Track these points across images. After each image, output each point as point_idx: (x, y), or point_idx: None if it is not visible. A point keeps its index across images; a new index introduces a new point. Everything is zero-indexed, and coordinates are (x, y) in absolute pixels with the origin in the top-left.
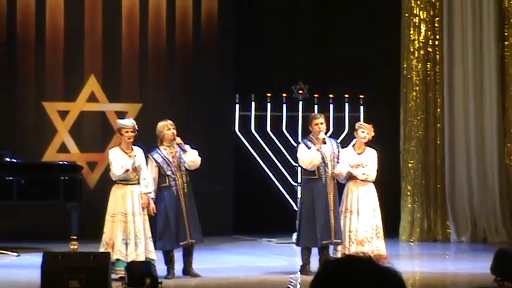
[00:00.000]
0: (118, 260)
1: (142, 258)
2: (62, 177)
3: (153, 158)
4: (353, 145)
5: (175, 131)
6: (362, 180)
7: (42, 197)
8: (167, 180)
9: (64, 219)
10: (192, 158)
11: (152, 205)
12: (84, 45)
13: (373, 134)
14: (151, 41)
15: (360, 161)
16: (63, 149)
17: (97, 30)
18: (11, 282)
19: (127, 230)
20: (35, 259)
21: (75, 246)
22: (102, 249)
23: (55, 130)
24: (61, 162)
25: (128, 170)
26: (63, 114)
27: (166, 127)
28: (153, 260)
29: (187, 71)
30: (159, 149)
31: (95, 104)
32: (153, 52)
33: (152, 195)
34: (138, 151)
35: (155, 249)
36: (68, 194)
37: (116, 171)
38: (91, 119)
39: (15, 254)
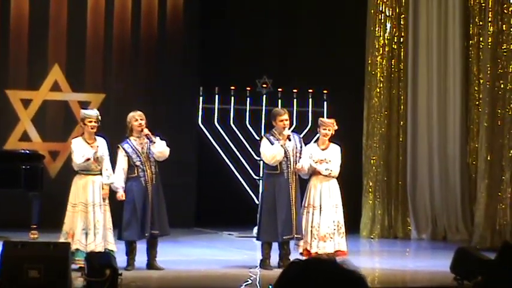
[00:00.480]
0: (78, 250)
1: (100, 249)
2: (24, 166)
3: (123, 148)
4: (316, 141)
5: (143, 122)
6: (325, 175)
7: (3, 186)
8: (136, 171)
9: (24, 208)
10: (160, 148)
11: (121, 192)
12: (48, 33)
13: (336, 128)
14: (116, 32)
15: (324, 156)
16: (25, 137)
17: (62, 19)
18: None
19: (87, 220)
20: None
21: (35, 235)
22: (62, 239)
23: (17, 118)
24: (23, 151)
25: (88, 159)
26: (26, 102)
27: (134, 118)
28: (112, 251)
29: (151, 62)
30: (129, 140)
31: (58, 93)
32: (117, 43)
33: (122, 184)
34: (101, 141)
35: (121, 239)
36: (29, 183)
37: (77, 160)
38: (54, 108)
39: None
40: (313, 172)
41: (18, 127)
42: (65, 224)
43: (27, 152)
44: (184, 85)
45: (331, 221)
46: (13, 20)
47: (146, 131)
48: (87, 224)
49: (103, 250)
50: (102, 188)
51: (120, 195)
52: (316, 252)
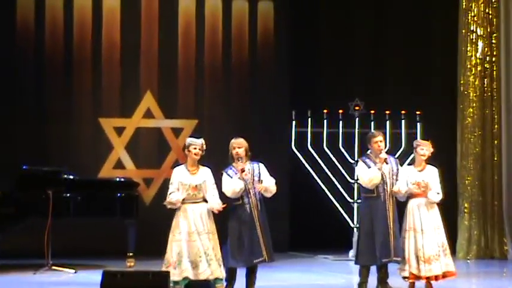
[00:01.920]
0: (185, 278)
1: (213, 277)
2: (119, 194)
3: (228, 174)
4: (411, 163)
5: (240, 151)
6: (433, 202)
7: (99, 214)
8: (240, 198)
9: (120, 236)
10: (270, 194)
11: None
12: (140, 60)
13: (431, 150)
14: (208, 57)
15: (421, 178)
16: (119, 165)
17: (153, 46)
18: None
19: (191, 250)
20: (92, 276)
21: (132, 263)
22: (163, 268)
23: (111, 146)
24: (118, 179)
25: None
26: (119, 130)
27: (232, 146)
28: (219, 279)
29: (243, 87)
30: (233, 166)
31: (151, 120)
32: (209, 68)
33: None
34: (205, 170)
35: (224, 267)
36: (125, 210)
37: (171, 197)
38: (147, 135)
39: (72, 270)
40: (411, 194)
41: (112, 155)
42: (167, 253)
43: (122, 180)
44: (276, 109)
45: (435, 242)
46: (105, 48)
47: (241, 165)
48: (191, 253)
49: (211, 278)
50: (215, 210)
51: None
52: (426, 276)
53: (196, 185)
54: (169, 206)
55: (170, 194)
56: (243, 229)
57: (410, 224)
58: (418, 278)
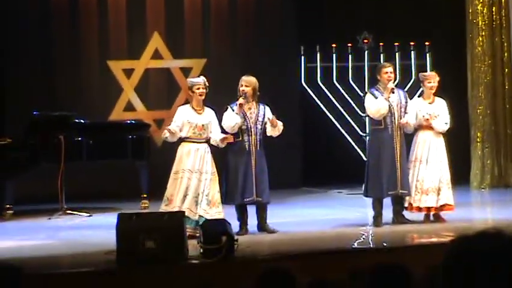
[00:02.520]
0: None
1: (211, 216)
2: (130, 136)
3: (232, 109)
4: (420, 96)
5: (246, 89)
6: (440, 132)
7: (111, 157)
8: (241, 135)
9: (133, 178)
10: (277, 133)
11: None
12: (146, 1)
13: (438, 79)
14: None
15: (432, 110)
16: (129, 107)
17: None
18: (85, 244)
19: (192, 187)
20: (107, 219)
21: (146, 205)
22: (163, 206)
23: (121, 89)
24: (128, 121)
25: (172, 133)
26: (128, 72)
27: (240, 83)
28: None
29: (250, 24)
30: (237, 103)
31: (160, 61)
32: (215, 6)
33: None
34: (209, 111)
35: (224, 203)
36: (137, 152)
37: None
38: (156, 77)
39: (87, 214)
40: (419, 127)
41: (122, 97)
42: (167, 190)
43: (133, 122)
44: (284, 45)
45: (436, 175)
46: None
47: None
48: (192, 191)
49: (214, 217)
50: (222, 141)
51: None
52: (418, 206)
53: (203, 125)
54: (165, 136)
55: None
56: (239, 165)
57: (417, 155)
58: (415, 209)
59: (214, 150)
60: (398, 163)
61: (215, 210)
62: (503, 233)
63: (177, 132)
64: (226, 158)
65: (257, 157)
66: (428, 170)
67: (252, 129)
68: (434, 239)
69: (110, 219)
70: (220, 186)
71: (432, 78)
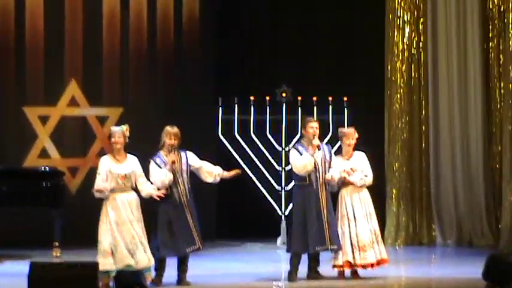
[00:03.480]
0: (127, 265)
1: (146, 265)
2: (45, 183)
3: (156, 163)
4: (338, 153)
5: (175, 143)
6: (359, 186)
7: (25, 203)
8: (169, 188)
9: (46, 225)
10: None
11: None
12: (64, 48)
13: (356, 136)
14: (132, 44)
15: (349, 166)
16: (44, 154)
17: (77, 33)
18: None
19: (126, 238)
20: (18, 267)
21: (58, 253)
22: (101, 258)
23: (36, 135)
24: (43, 168)
25: (102, 192)
26: (44, 119)
27: (168, 135)
28: (149, 268)
29: (168, 74)
30: (161, 154)
31: (76, 109)
32: (134, 55)
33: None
34: (131, 159)
35: (155, 257)
36: (51, 200)
37: (98, 184)
38: (72, 124)
39: None
40: (343, 183)
41: (36, 144)
42: (102, 242)
43: (48, 169)
44: (203, 96)
45: (368, 230)
46: (28, 36)
47: (172, 157)
48: (130, 240)
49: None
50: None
51: (161, 193)
52: (361, 264)
53: (125, 174)
54: (97, 195)
55: (96, 188)
56: (172, 218)
57: (343, 212)
58: (353, 266)
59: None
60: (325, 218)
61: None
62: None
63: (106, 187)
64: (157, 210)
65: (190, 207)
66: (359, 225)
67: (179, 179)
68: None
69: (20, 267)
70: (150, 238)
71: (351, 136)
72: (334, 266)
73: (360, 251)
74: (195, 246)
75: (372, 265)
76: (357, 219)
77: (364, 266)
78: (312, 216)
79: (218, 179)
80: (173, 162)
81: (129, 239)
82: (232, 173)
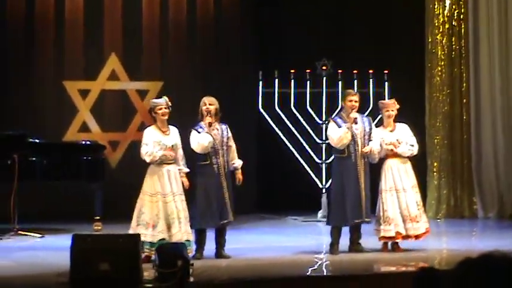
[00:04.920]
0: (161, 239)
1: (184, 238)
2: (85, 158)
3: (196, 130)
4: (378, 123)
5: (210, 107)
6: (407, 156)
7: (65, 178)
8: (208, 158)
9: (87, 199)
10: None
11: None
12: (104, 22)
13: (397, 107)
14: (172, 18)
15: (395, 138)
16: (84, 128)
17: (116, 7)
18: (37, 265)
19: (165, 211)
20: (59, 241)
21: (99, 227)
22: (142, 229)
23: (76, 109)
24: (84, 142)
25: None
26: (84, 93)
27: (203, 102)
28: (189, 240)
29: (209, 48)
30: (201, 124)
31: (116, 83)
32: (173, 29)
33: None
34: (174, 130)
35: (193, 228)
36: (91, 174)
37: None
38: (112, 98)
39: (39, 235)
40: (387, 155)
41: (77, 118)
42: (143, 214)
43: (88, 143)
44: (243, 70)
45: (415, 201)
46: (68, 11)
47: (208, 119)
48: (168, 214)
49: (185, 239)
50: (182, 177)
51: (186, 182)
52: (414, 234)
53: (172, 145)
54: (149, 159)
55: (147, 152)
56: (210, 189)
57: (390, 184)
58: (406, 237)
59: None
60: (362, 191)
61: (188, 229)
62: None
63: (156, 154)
64: (195, 181)
65: (227, 179)
66: (408, 197)
67: (220, 151)
68: (396, 268)
69: (62, 240)
70: (189, 210)
71: (391, 107)
72: (382, 238)
73: (412, 221)
74: (228, 219)
75: (420, 235)
76: (406, 190)
77: (417, 237)
78: (350, 188)
79: (231, 168)
80: (209, 124)
81: (169, 212)
82: (238, 180)
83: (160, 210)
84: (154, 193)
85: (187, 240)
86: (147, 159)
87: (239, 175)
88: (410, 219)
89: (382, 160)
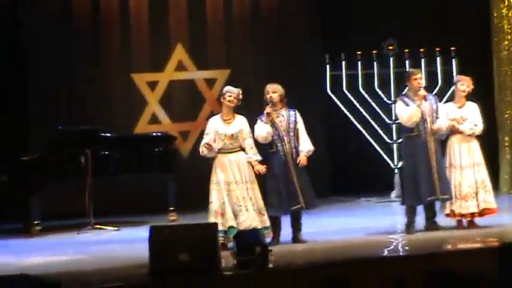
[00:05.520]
0: (231, 227)
1: (254, 225)
2: (157, 149)
3: (261, 120)
4: (448, 101)
5: (273, 95)
6: (468, 135)
7: (139, 170)
8: (274, 146)
9: (160, 191)
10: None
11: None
12: (168, 13)
13: (472, 86)
14: (236, 5)
15: (460, 114)
16: (154, 120)
17: None
18: (115, 258)
19: (230, 199)
20: (135, 233)
21: (174, 217)
22: (212, 218)
23: (145, 101)
24: (155, 134)
25: (210, 147)
26: (152, 84)
27: (266, 91)
28: (266, 227)
29: (274, 34)
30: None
31: (184, 73)
32: (238, 16)
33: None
34: (239, 119)
35: (269, 215)
36: (164, 165)
37: (205, 140)
38: (180, 88)
39: (115, 228)
40: (452, 132)
41: (146, 110)
42: (212, 203)
43: (160, 134)
44: (309, 54)
45: (473, 180)
46: (132, 4)
47: (268, 109)
48: (235, 202)
49: (258, 227)
50: (255, 165)
51: (260, 168)
52: (461, 213)
53: (232, 134)
54: (204, 152)
55: (202, 143)
56: (278, 176)
57: (450, 161)
58: (457, 215)
59: None
60: (434, 168)
61: (264, 217)
62: None
63: (213, 145)
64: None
65: (295, 165)
66: (464, 175)
67: (285, 138)
68: (476, 245)
69: (138, 233)
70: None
71: (466, 82)
72: (447, 215)
73: (461, 200)
74: (299, 205)
75: (473, 215)
76: (463, 168)
77: (463, 215)
78: (422, 167)
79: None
80: (268, 114)
81: (235, 200)
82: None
83: (225, 198)
84: (218, 182)
85: (264, 227)
86: (202, 152)
87: (301, 157)
88: (461, 197)
89: (447, 136)
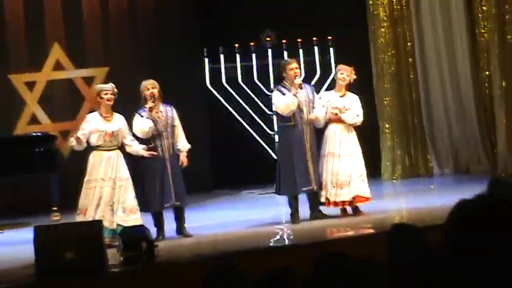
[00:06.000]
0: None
1: (131, 223)
2: (38, 149)
3: (140, 115)
4: (331, 89)
5: (154, 91)
6: (349, 124)
7: (20, 171)
8: (152, 141)
9: (41, 191)
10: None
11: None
12: (44, 12)
13: (354, 76)
14: (113, 2)
15: (343, 103)
16: (34, 120)
17: None
18: (1, 260)
19: (105, 196)
20: (20, 234)
21: (58, 217)
22: (76, 217)
23: (24, 102)
24: (35, 134)
25: (79, 141)
26: (30, 85)
27: (146, 87)
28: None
29: (151, 29)
30: (145, 107)
31: (62, 72)
32: (115, 12)
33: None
34: (118, 118)
35: (141, 211)
36: (46, 165)
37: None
38: (59, 88)
39: None
40: (330, 120)
41: (25, 111)
42: (80, 201)
43: (39, 134)
44: (187, 48)
45: (349, 168)
46: (7, 3)
47: (150, 104)
48: (109, 199)
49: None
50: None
51: (148, 153)
52: (335, 201)
53: (113, 132)
54: (73, 144)
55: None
56: (154, 172)
57: (329, 149)
58: (332, 203)
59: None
60: (310, 159)
61: (133, 217)
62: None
63: (83, 140)
64: (140, 164)
65: (172, 161)
66: (342, 163)
67: (164, 134)
68: (364, 230)
69: (22, 234)
70: (136, 193)
71: (345, 71)
72: (321, 204)
73: (336, 188)
74: (171, 202)
75: (344, 203)
76: (341, 157)
77: (336, 204)
78: (298, 156)
79: (176, 151)
80: (150, 109)
81: (109, 197)
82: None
83: (95, 197)
84: (91, 179)
85: (119, 225)
86: (71, 144)
87: (183, 158)
88: (336, 185)
89: (325, 125)
